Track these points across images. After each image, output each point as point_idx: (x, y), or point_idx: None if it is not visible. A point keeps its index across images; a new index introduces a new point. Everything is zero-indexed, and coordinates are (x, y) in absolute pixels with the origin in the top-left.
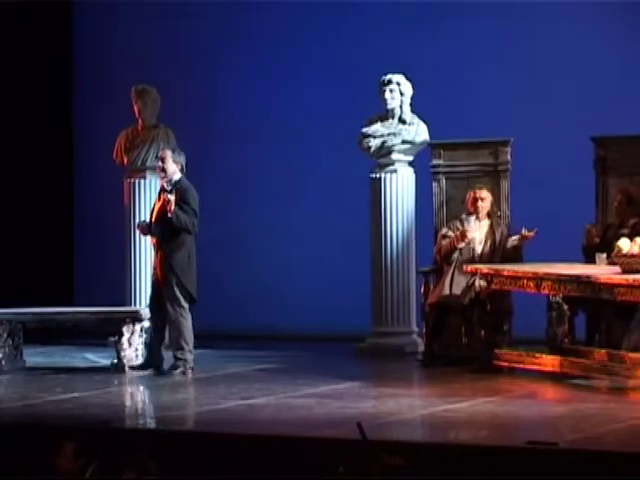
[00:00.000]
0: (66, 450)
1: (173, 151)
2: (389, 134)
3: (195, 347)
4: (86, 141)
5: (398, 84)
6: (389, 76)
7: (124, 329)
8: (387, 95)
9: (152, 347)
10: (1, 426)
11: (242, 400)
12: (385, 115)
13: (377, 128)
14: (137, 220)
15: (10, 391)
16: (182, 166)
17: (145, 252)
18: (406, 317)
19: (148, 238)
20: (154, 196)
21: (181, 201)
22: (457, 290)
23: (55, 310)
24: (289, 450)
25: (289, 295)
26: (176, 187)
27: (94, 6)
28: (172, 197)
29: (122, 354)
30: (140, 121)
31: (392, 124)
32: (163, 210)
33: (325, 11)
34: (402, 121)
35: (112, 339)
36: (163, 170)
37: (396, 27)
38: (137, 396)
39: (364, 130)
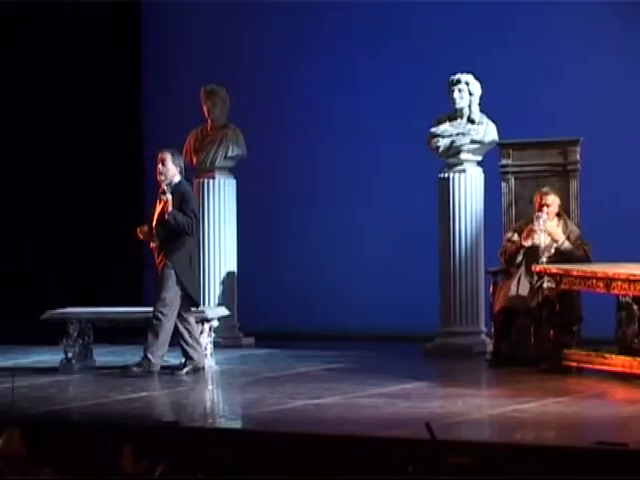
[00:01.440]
0: (126, 453)
1: (172, 154)
2: (458, 134)
3: (263, 346)
4: (156, 141)
5: (467, 84)
6: (458, 76)
7: None
8: (456, 95)
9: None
10: (71, 425)
11: (310, 400)
12: (454, 115)
13: (446, 128)
14: (206, 220)
15: (80, 390)
16: (181, 168)
17: (213, 252)
18: (474, 317)
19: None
20: (223, 196)
21: (181, 203)
22: (523, 292)
23: (125, 310)
24: (357, 450)
25: (358, 295)
26: (176, 190)
27: (163, 6)
28: (169, 197)
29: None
30: (209, 121)
31: (461, 124)
32: (163, 213)
33: (394, 10)
34: (471, 121)
35: None
36: (162, 173)
37: (465, 26)
38: (206, 395)
39: (433, 130)
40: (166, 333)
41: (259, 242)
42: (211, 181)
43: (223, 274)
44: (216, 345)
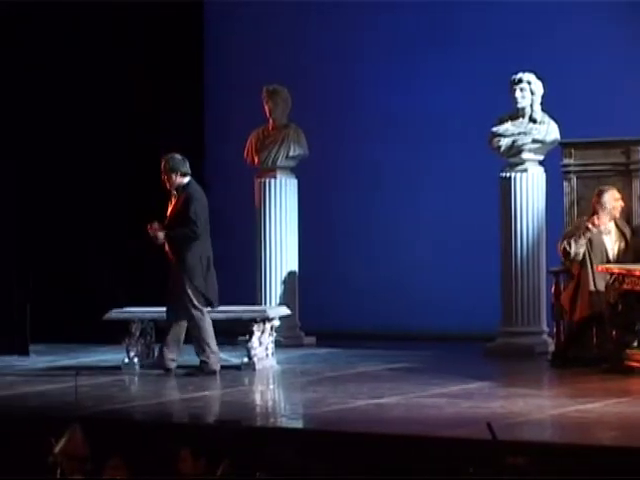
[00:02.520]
0: (184, 455)
1: (166, 160)
2: (519, 133)
3: (324, 346)
4: (218, 141)
5: (529, 83)
6: (520, 75)
7: (254, 328)
8: (518, 94)
9: (161, 347)
10: (133, 423)
11: (372, 399)
12: (515, 114)
13: (507, 127)
14: (268, 219)
15: (142, 389)
16: (184, 172)
17: (275, 252)
18: (536, 317)
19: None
20: (284, 196)
21: (183, 206)
22: (603, 295)
23: None
24: (419, 449)
25: (419, 295)
26: (182, 192)
27: (225, 6)
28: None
29: (252, 353)
30: (271, 121)
31: (522, 123)
32: (174, 212)
33: (456, 10)
34: (533, 120)
35: (242, 338)
36: (166, 180)
37: (528, 26)
38: (267, 395)
39: (494, 129)
40: (207, 327)
41: (320, 241)
42: (272, 181)
43: (284, 274)
44: (277, 344)
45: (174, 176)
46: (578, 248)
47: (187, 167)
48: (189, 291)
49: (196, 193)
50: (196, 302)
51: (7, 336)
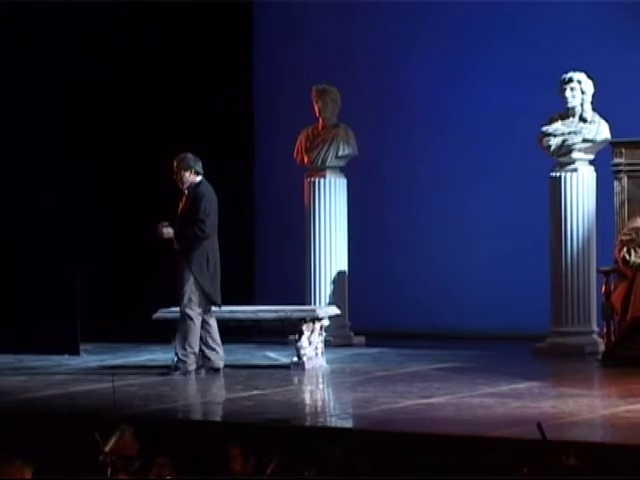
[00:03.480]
0: (234, 453)
1: (181, 159)
2: (570, 133)
3: (374, 345)
4: (267, 140)
5: (579, 82)
6: (570, 74)
7: (304, 328)
8: (568, 93)
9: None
10: (181, 422)
11: (421, 399)
12: (566, 113)
13: (557, 127)
14: (317, 219)
15: (191, 388)
16: (197, 170)
17: (324, 251)
18: (586, 317)
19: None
20: (334, 195)
21: (193, 204)
22: None
23: (236, 309)
24: (469, 449)
25: (468, 294)
26: (194, 191)
27: (275, 6)
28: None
29: (302, 352)
30: (320, 120)
31: (573, 122)
32: (184, 211)
33: (505, 10)
34: (583, 119)
35: (292, 337)
36: (179, 179)
37: (577, 25)
38: (317, 394)
39: (544, 129)
40: (195, 329)
41: (369, 241)
42: (322, 180)
43: (334, 273)
44: (327, 344)
45: (187, 174)
46: (638, 257)
47: (200, 166)
48: (190, 288)
49: (208, 192)
50: (194, 300)
51: (58, 335)
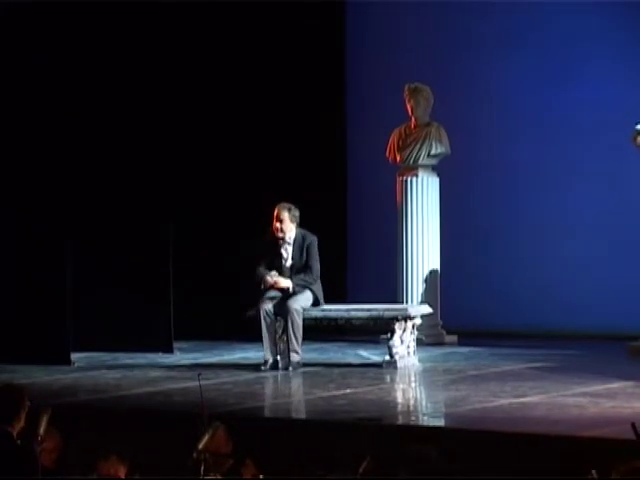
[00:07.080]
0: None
1: (289, 210)
2: None
3: (466, 344)
4: (360, 139)
5: None
6: None
7: (396, 326)
8: None
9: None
10: (274, 421)
11: (514, 398)
12: None
13: None
14: (409, 217)
15: (283, 387)
16: (297, 219)
17: (416, 250)
18: None
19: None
20: (426, 194)
21: (305, 253)
22: None
23: (329, 307)
24: (561, 449)
25: (561, 293)
26: (300, 240)
27: (367, 5)
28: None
29: (394, 351)
30: (413, 119)
31: None
32: (298, 258)
33: (598, 9)
34: None
35: (384, 336)
36: (281, 230)
37: None
38: (409, 393)
39: (639, 127)
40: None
41: (462, 240)
42: (414, 179)
43: (426, 272)
44: (419, 343)
45: (294, 226)
46: None
47: None
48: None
49: (313, 239)
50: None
51: (152, 333)
